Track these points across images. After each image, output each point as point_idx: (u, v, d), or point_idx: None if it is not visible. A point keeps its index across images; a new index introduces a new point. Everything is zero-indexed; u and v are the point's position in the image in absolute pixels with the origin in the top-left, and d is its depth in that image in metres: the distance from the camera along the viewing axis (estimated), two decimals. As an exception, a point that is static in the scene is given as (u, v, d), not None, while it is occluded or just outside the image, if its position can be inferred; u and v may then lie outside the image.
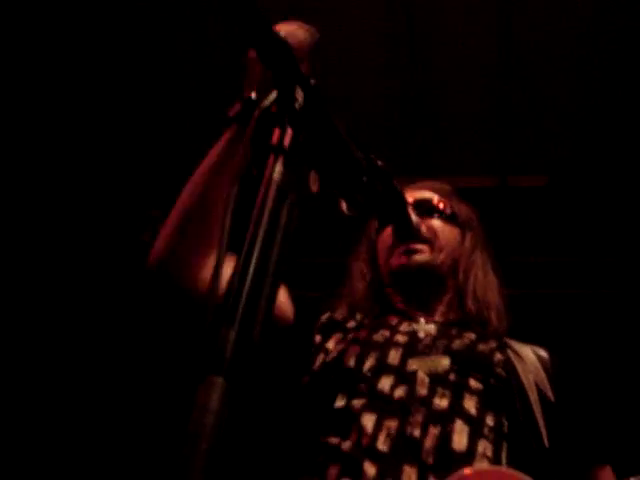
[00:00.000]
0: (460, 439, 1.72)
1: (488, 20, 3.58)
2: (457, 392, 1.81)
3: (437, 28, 3.65)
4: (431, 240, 2.10)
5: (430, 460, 1.66)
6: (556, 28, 3.57)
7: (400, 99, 3.98)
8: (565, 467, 1.84)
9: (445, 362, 1.87)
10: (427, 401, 1.77)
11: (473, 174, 4.28)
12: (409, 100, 3.98)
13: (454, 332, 2.02)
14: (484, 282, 2.17)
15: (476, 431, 1.75)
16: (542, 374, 1.97)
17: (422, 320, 2.07)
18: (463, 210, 2.26)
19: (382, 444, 1.70)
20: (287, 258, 1.04)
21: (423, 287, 2.13)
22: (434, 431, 1.71)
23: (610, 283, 4.39)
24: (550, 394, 1.93)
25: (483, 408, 1.80)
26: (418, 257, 2.08)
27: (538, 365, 2.00)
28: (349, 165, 1.45)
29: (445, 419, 1.75)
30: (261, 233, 1.02)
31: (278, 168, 1.09)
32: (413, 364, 1.86)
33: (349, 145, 1.41)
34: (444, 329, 2.04)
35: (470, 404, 1.79)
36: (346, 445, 1.73)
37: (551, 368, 2.01)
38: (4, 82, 3.90)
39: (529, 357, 2.01)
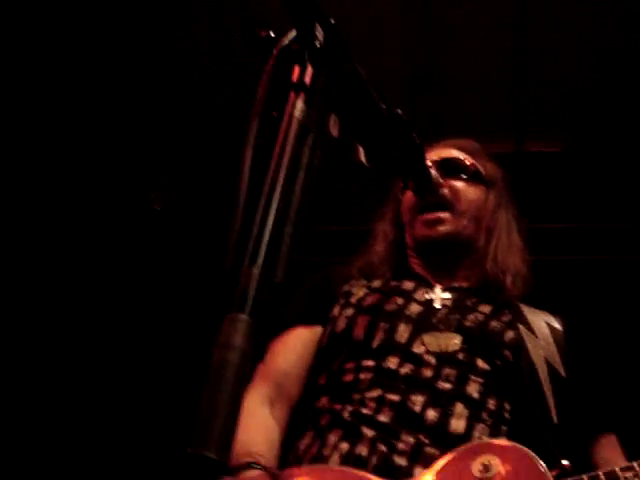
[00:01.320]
0: (458, 422, 1.73)
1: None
2: (462, 375, 1.82)
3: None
4: (453, 204, 2.07)
5: (427, 440, 1.69)
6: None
7: (414, 63, 3.93)
8: (572, 441, 1.81)
9: (456, 341, 1.87)
10: (431, 383, 1.79)
11: (488, 140, 4.21)
12: (423, 64, 3.92)
13: (469, 303, 2.01)
14: (506, 243, 2.13)
15: (475, 415, 1.76)
16: (554, 348, 1.96)
17: (439, 287, 2.05)
18: (488, 167, 2.22)
19: (384, 416, 1.74)
20: (310, 198, 1.01)
21: (447, 256, 2.11)
22: (434, 413, 1.73)
23: (626, 249, 4.34)
24: (561, 369, 1.92)
25: (486, 391, 1.81)
26: (441, 228, 2.06)
27: (550, 339, 1.99)
28: (370, 112, 1.41)
29: (446, 402, 1.76)
30: (283, 172, 0.99)
31: (299, 105, 1.06)
32: (423, 341, 1.86)
33: (370, 91, 1.37)
34: (460, 299, 2.02)
35: (473, 388, 1.80)
36: (348, 413, 1.78)
37: (563, 340, 2.00)
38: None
39: (541, 330, 2.00)
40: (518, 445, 1.60)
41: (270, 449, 1.79)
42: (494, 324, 1.94)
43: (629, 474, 1.47)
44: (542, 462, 1.53)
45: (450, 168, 2.12)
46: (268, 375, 1.95)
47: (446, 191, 2.05)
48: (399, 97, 4.01)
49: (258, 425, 1.82)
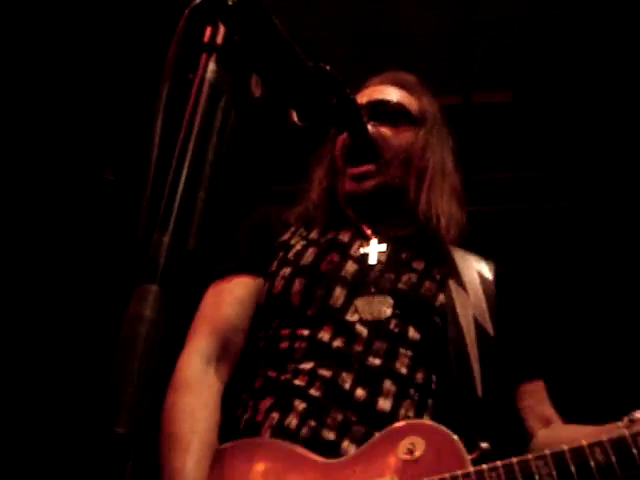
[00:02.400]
0: (385, 401, 1.75)
1: None
2: (392, 349, 1.83)
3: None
4: (379, 154, 2.02)
5: (354, 418, 1.71)
6: None
7: (359, 16, 3.87)
8: (496, 413, 1.84)
9: (388, 306, 1.87)
10: (361, 358, 1.80)
11: (437, 93, 4.19)
12: (369, 17, 3.87)
13: (404, 257, 2.00)
14: (439, 185, 2.08)
15: (403, 392, 1.78)
16: (484, 304, 1.97)
17: (374, 239, 2.04)
18: (423, 103, 2.16)
19: (315, 390, 1.76)
20: (224, 162, 0.99)
21: (378, 207, 2.08)
22: (362, 392, 1.75)
23: (575, 196, 4.39)
24: (490, 328, 1.93)
25: (414, 365, 1.82)
26: (368, 183, 2.03)
27: (480, 292, 1.99)
28: (294, 70, 1.38)
29: (374, 380, 1.78)
30: (194, 136, 0.96)
31: (211, 67, 1.02)
32: (356, 308, 1.87)
33: (293, 48, 1.33)
34: (395, 252, 2.01)
35: (402, 362, 1.82)
36: (281, 382, 1.80)
37: (494, 291, 2.01)
38: None
39: (473, 283, 2.00)
40: (443, 428, 1.63)
41: (211, 435, 1.77)
42: (427, 285, 1.94)
43: (540, 462, 1.49)
44: (463, 447, 1.57)
45: (377, 113, 2.07)
46: (214, 328, 1.90)
47: (373, 139, 1.97)
48: (344, 51, 3.97)
49: (201, 413, 1.78)
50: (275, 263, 2.00)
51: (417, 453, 1.56)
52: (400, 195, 2.07)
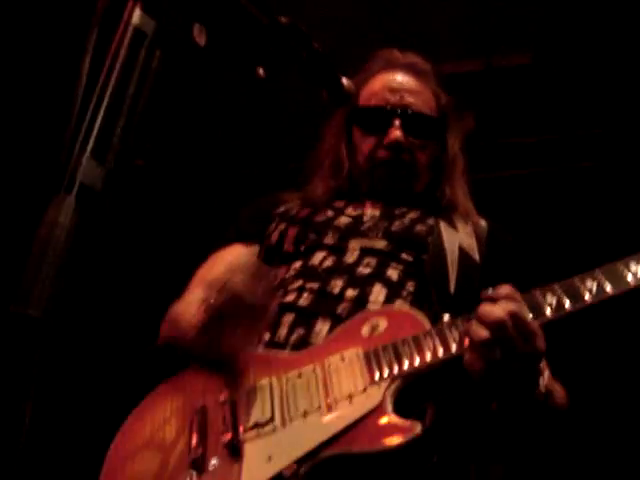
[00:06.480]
0: (377, 297, 1.81)
1: None
2: (383, 262, 1.90)
3: None
4: (411, 165, 2.15)
5: (344, 313, 1.77)
6: None
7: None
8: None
9: (382, 243, 1.96)
10: (351, 269, 1.88)
11: (458, 58, 4.24)
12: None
13: (398, 212, 2.10)
14: (457, 177, 2.22)
15: (394, 293, 1.83)
16: (472, 240, 2.03)
17: (369, 204, 2.14)
18: (440, 102, 2.24)
19: (303, 301, 1.83)
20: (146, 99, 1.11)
21: (391, 193, 2.16)
22: (352, 293, 1.81)
23: (600, 156, 4.37)
24: (475, 255, 1.99)
25: (406, 276, 1.88)
26: (398, 185, 2.14)
27: (470, 230, 2.07)
28: (246, 23, 1.47)
29: (365, 283, 1.84)
30: (116, 70, 1.08)
31: (137, 12, 1.14)
32: (349, 244, 1.96)
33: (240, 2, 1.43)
34: (389, 209, 2.11)
35: (393, 272, 1.88)
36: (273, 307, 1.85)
37: (486, 234, 2.08)
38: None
39: (465, 228, 2.08)
40: (405, 308, 1.73)
41: None
42: (419, 228, 2.03)
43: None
44: (425, 318, 1.65)
45: (413, 126, 2.14)
46: (207, 282, 1.97)
47: (406, 155, 2.12)
48: (367, 19, 4.03)
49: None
50: (272, 226, 2.12)
51: (380, 329, 1.64)
52: (418, 186, 2.19)
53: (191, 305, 1.83)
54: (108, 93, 1.06)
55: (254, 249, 2.09)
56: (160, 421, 1.64)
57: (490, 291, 1.51)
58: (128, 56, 1.10)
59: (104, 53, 1.12)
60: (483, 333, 1.45)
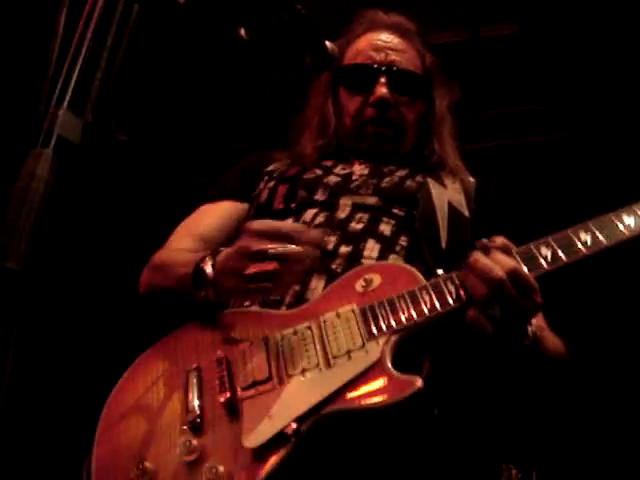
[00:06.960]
0: (370, 253, 1.80)
1: None
2: (375, 217, 1.89)
3: None
4: (397, 124, 2.13)
5: (339, 269, 1.76)
6: None
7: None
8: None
9: (373, 199, 1.95)
10: (343, 225, 1.87)
11: (444, 28, 4.22)
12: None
13: (386, 170, 2.09)
14: (446, 135, 2.21)
15: (388, 248, 1.82)
16: (460, 196, 2.02)
17: (357, 163, 2.13)
18: (425, 61, 2.24)
19: None
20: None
21: (379, 153, 2.15)
22: (346, 249, 1.80)
23: (586, 125, 4.38)
24: (465, 211, 1.97)
25: (398, 230, 1.87)
26: (386, 145, 2.14)
27: (458, 187, 2.06)
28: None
29: (357, 239, 1.83)
30: (92, 25, 1.07)
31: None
32: (340, 199, 1.95)
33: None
34: (378, 168, 2.10)
35: (385, 227, 1.87)
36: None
37: (474, 191, 2.07)
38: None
39: (454, 184, 2.07)
40: (398, 263, 1.72)
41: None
42: (409, 183, 2.03)
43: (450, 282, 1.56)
44: (419, 272, 1.62)
45: (399, 83, 2.14)
46: (193, 231, 2.01)
47: (393, 112, 2.11)
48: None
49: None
50: (262, 184, 2.10)
51: (373, 284, 1.62)
52: (405, 145, 2.19)
53: (177, 252, 1.79)
54: (85, 45, 1.05)
55: (243, 208, 2.08)
56: (153, 382, 1.62)
57: (485, 241, 1.50)
58: (105, 9, 1.08)
59: (82, 5, 1.11)
60: (482, 290, 1.45)
